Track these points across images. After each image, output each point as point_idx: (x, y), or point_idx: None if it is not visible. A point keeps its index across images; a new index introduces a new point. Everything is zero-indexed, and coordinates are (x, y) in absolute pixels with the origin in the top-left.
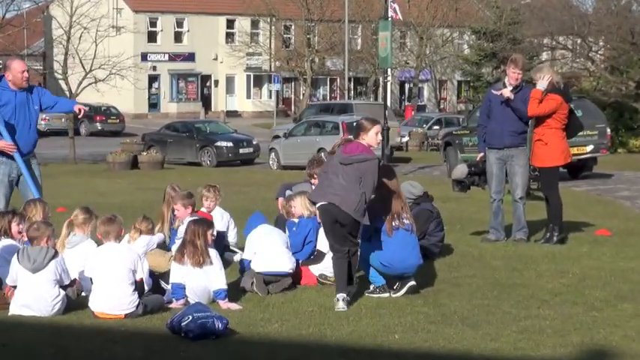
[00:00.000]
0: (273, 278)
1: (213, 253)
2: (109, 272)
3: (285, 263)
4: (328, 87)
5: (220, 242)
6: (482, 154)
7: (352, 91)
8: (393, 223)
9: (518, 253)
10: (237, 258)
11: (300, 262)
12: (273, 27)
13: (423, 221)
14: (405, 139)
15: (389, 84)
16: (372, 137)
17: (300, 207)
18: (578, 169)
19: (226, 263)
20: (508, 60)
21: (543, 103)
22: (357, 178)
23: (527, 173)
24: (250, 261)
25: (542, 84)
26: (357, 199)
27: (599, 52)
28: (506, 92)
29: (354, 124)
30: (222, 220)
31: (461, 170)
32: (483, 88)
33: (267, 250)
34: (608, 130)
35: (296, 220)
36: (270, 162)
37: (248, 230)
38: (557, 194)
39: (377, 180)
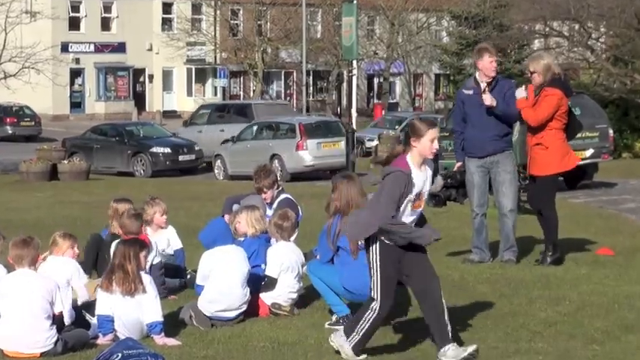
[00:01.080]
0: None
1: (146, 279)
2: (22, 304)
3: (239, 306)
4: (283, 82)
5: (177, 268)
6: (459, 163)
7: (311, 87)
8: (359, 243)
9: (507, 277)
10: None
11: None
12: (218, 12)
13: None
14: (373, 143)
15: (354, 78)
16: (425, 146)
17: (245, 223)
18: (576, 178)
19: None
20: (475, 52)
21: (542, 103)
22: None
23: (516, 181)
24: (203, 287)
25: (521, 92)
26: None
27: (600, 39)
28: (488, 99)
29: (314, 125)
30: (175, 239)
31: (436, 183)
32: (465, 83)
33: (217, 285)
34: (611, 132)
35: (242, 239)
36: (216, 171)
37: (206, 239)
38: (553, 207)
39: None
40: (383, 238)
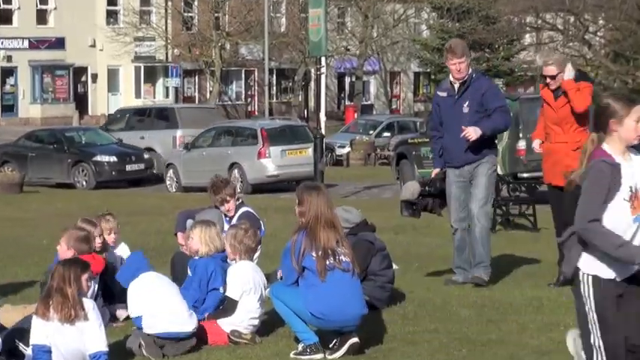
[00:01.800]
0: (174, 343)
1: (89, 304)
2: None
3: (185, 320)
4: (243, 82)
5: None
6: (437, 170)
7: (275, 87)
8: (327, 262)
9: (494, 300)
10: None
11: (206, 315)
12: (169, 3)
13: (361, 256)
14: (345, 151)
15: (323, 77)
16: (629, 128)
17: (198, 240)
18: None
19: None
20: (444, 51)
21: (584, 91)
22: None
23: (491, 185)
24: (142, 328)
25: (569, 73)
26: None
27: (598, 33)
28: (472, 134)
29: (277, 130)
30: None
31: (411, 189)
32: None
33: (160, 305)
34: None
35: (196, 258)
36: (168, 182)
37: (124, 278)
38: None
39: None
40: (597, 269)
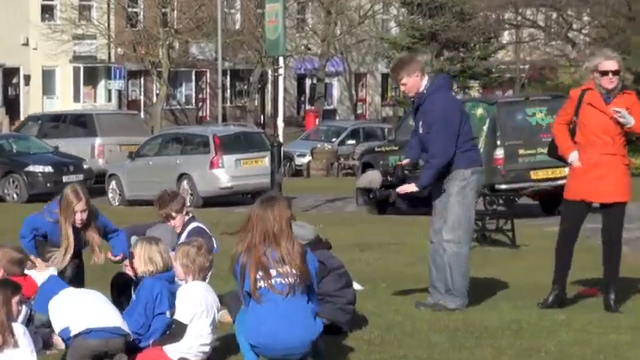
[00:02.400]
0: (105, 345)
1: (19, 330)
2: None
3: (118, 319)
4: (194, 84)
5: None
6: (407, 160)
7: (229, 90)
8: (260, 284)
9: (469, 324)
10: None
11: (151, 342)
12: None
13: None
14: (305, 160)
15: (281, 79)
16: None
17: (138, 259)
18: (553, 201)
19: None
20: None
21: (635, 105)
22: None
23: (464, 203)
24: (70, 335)
25: (629, 117)
26: None
27: (583, 30)
28: (405, 189)
29: (232, 137)
30: None
31: (370, 177)
32: None
33: (88, 306)
34: None
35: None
36: (110, 195)
37: (40, 306)
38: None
39: None
40: None
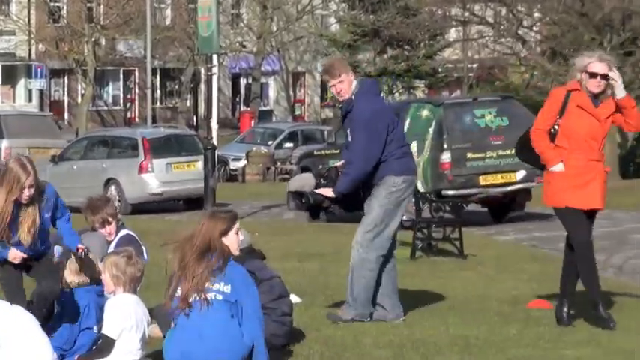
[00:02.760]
0: None
1: None
2: None
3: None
4: (122, 83)
5: None
6: (343, 162)
7: (159, 90)
8: (180, 299)
9: (415, 338)
10: None
11: (76, 357)
12: None
13: None
14: (240, 164)
15: (215, 78)
16: None
17: (68, 270)
18: (503, 208)
19: None
20: None
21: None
22: None
23: (387, 209)
24: None
25: (620, 89)
26: None
27: (534, 28)
28: (324, 192)
29: (162, 140)
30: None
31: (302, 181)
32: None
33: (13, 338)
34: None
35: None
36: None
37: None
38: None
39: None
40: None
